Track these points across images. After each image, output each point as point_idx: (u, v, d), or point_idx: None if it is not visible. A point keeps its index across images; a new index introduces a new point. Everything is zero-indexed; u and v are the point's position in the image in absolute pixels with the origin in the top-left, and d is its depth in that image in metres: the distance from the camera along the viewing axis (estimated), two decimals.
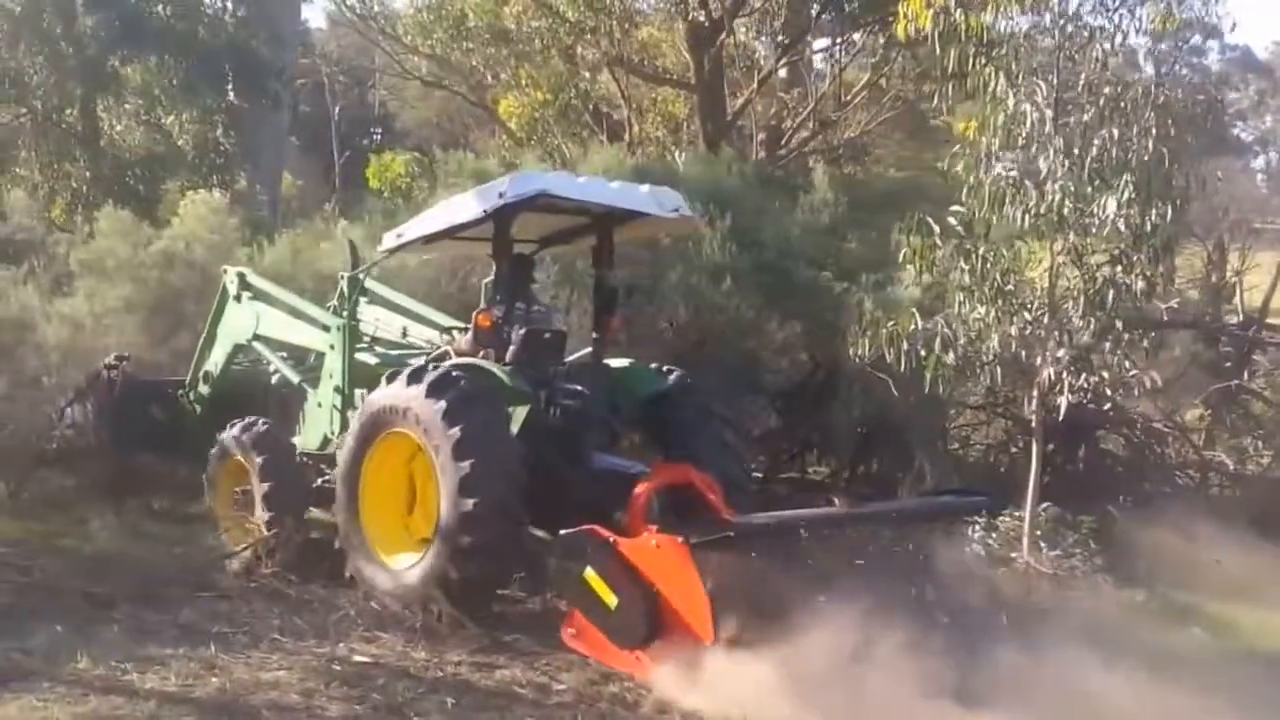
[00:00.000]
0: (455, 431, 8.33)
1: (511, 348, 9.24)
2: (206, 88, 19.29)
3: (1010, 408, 13.70)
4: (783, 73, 27.54)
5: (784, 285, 13.97)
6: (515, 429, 8.64)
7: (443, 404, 8.44)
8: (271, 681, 7.57)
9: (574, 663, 8.07)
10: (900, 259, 10.29)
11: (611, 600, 7.56)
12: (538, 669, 8.07)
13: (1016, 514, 9.93)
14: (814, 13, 25.38)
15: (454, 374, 8.74)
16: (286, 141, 22.53)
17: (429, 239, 9.92)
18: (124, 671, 7.61)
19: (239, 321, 11.51)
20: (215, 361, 11.77)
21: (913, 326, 9.62)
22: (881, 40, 24.27)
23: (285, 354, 11.30)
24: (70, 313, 13.21)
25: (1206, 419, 14.65)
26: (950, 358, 9.52)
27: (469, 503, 8.24)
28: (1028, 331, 9.44)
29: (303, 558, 9.94)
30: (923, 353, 9.59)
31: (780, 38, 25.91)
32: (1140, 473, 12.91)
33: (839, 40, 25.69)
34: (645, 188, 9.82)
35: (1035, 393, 9.65)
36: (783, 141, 26.58)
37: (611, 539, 7.70)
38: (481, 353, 9.26)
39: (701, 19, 24.35)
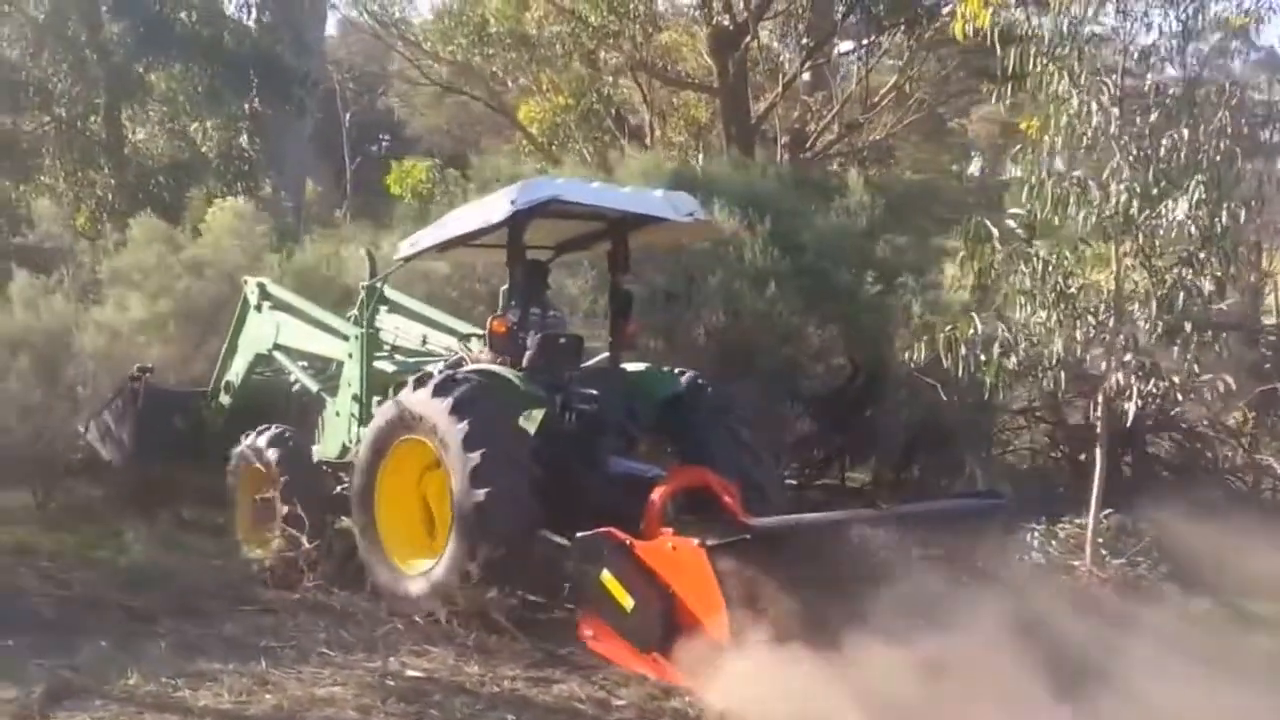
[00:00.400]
0: (463, 425, 8.37)
1: (527, 353, 9.25)
2: (231, 94, 19.06)
3: (1054, 412, 13.46)
4: (806, 76, 27.35)
5: (824, 289, 13.77)
6: (529, 433, 8.57)
7: (449, 401, 8.49)
8: (326, 698, 7.37)
9: (632, 678, 7.82)
10: (956, 261, 10.04)
11: (628, 603, 7.53)
12: (595, 683, 7.84)
13: (1077, 521, 9.68)
14: (839, 16, 25.11)
15: (464, 378, 8.81)
16: (309, 148, 22.29)
17: (443, 246, 9.94)
18: (175, 688, 7.43)
19: (259, 331, 11.55)
20: (236, 371, 11.79)
21: (971, 331, 9.38)
22: (910, 41, 24.05)
23: (306, 363, 11.33)
24: (106, 321, 12.97)
25: (1250, 422, 14.37)
26: (1011, 362, 9.27)
27: (480, 494, 8.25)
28: (1091, 335, 9.19)
29: (342, 569, 9.81)
30: (982, 357, 9.34)
31: (804, 40, 25.75)
32: (1191, 477, 12.63)
33: (864, 43, 25.42)
34: (659, 192, 9.86)
35: (1100, 398, 9.41)
36: (807, 145, 26.38)
37: (628, 541, 7.67)
38: (497, 359, 9.26)
39: (726, 23, 24.19)
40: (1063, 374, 9.30)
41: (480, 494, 8.25)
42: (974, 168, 47.99)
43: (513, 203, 8.80)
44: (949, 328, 9.63)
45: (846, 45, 26.92)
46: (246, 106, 19.55)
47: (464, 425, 8.38)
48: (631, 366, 9.85)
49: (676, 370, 9.92)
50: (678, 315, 13.28)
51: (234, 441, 10.86)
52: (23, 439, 12.01)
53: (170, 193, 18.89)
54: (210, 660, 8.00)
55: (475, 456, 8.28)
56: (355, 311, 10.62)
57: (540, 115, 26.74)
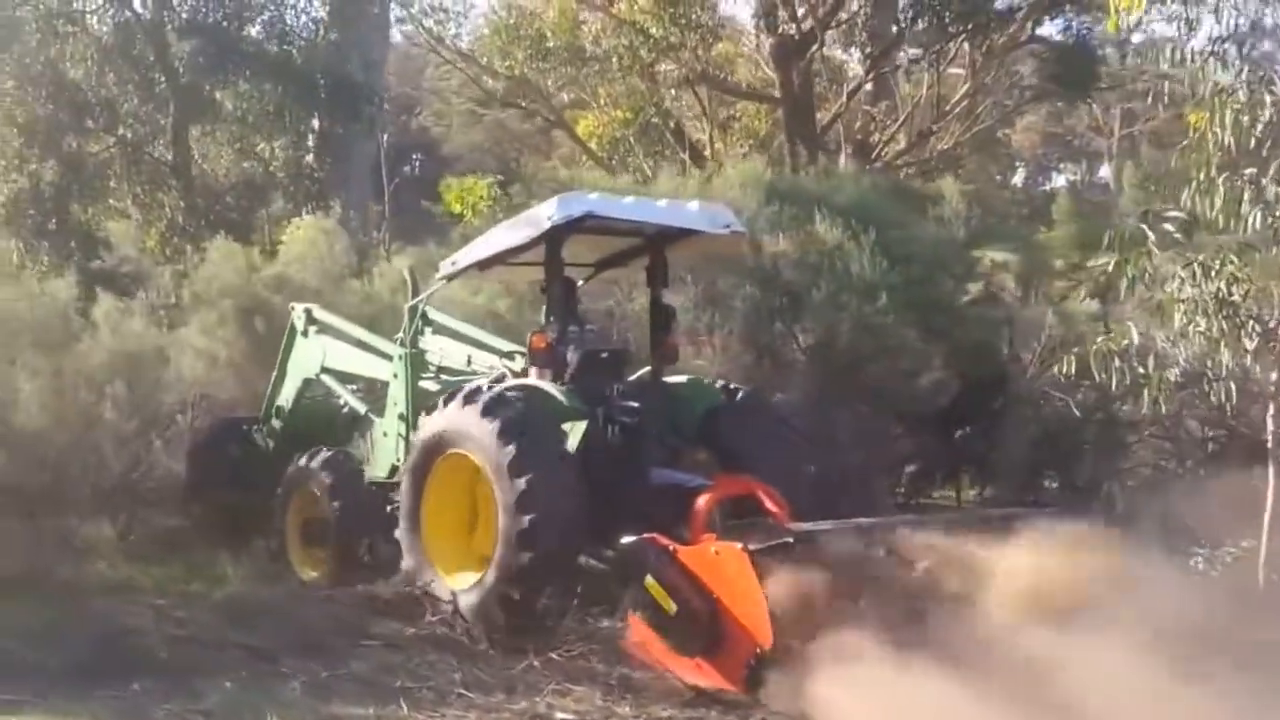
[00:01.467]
0: (510, 449, 8.40)
1: (569, 368, 9.33)
2: (301, 113, 18.69)
3: (1175, 428, 12.88)
4: (868, 86, 26.80)
5: (932, 301, 13.30)
6: (573, 447, 8.61)
7: (497, 423, 8.51)
8: None
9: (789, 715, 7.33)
10: (1093, 268, 9.52)
11: (671, 607, 7.54)
12: None
13: (1244, 544, 9.11)
14: (904, 23, 24.60)
15: (508, 394, 8.89)
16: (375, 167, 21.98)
17: (484, 265, 9.97)
18: None
19: (307, 356, 11.73)
20: (286, 396, 11.93)
21: (1125, 342, 8.86)
22: (981, 47, 23.55)
23: (355, 386, 11.50)
24: (193, 344, 12.62)
25: None
26: (1174, 374, 8.75)
27: (525, 520, 8.28)
28: (1257, 345, 8.65)
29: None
30: (1140, 370, 8.81)
31: (869, 49, 25.25)
32: None
33: (934, 49, 24.89)
34: (695, 205, 9.86)
35: (1272, 410, 8.85)
36: (873, 155, 25.85)
37: (671, 547, 7.72)
38: (539, 373, 9.35)
39: (791, 32, 23.74)
40: (1232, 386, 8.74)
41: (525, 521, 8.30)
42: (1018, 178, 47.50)
43: (549, 218, 8.89)
44: (1100, 339, 9.10)
45: (913, 53, 26.28)
46: (315, 125, 19.08)
47: (511, 449, 8.43)
48: (673, 379, 9.86)
49: (718, 381, 10.05)
50: (775, 331, 12.80)
51: (285, 466, 11.02)
52: (118, 470, 11.54)
53: (239, 213, 18.52)
54: (347, 703, 7.65)
55: (521, 484, 8.33)
56: (402, 333, 10.74)
57: (600, 130, 26.24)
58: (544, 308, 9.72)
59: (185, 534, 11.97)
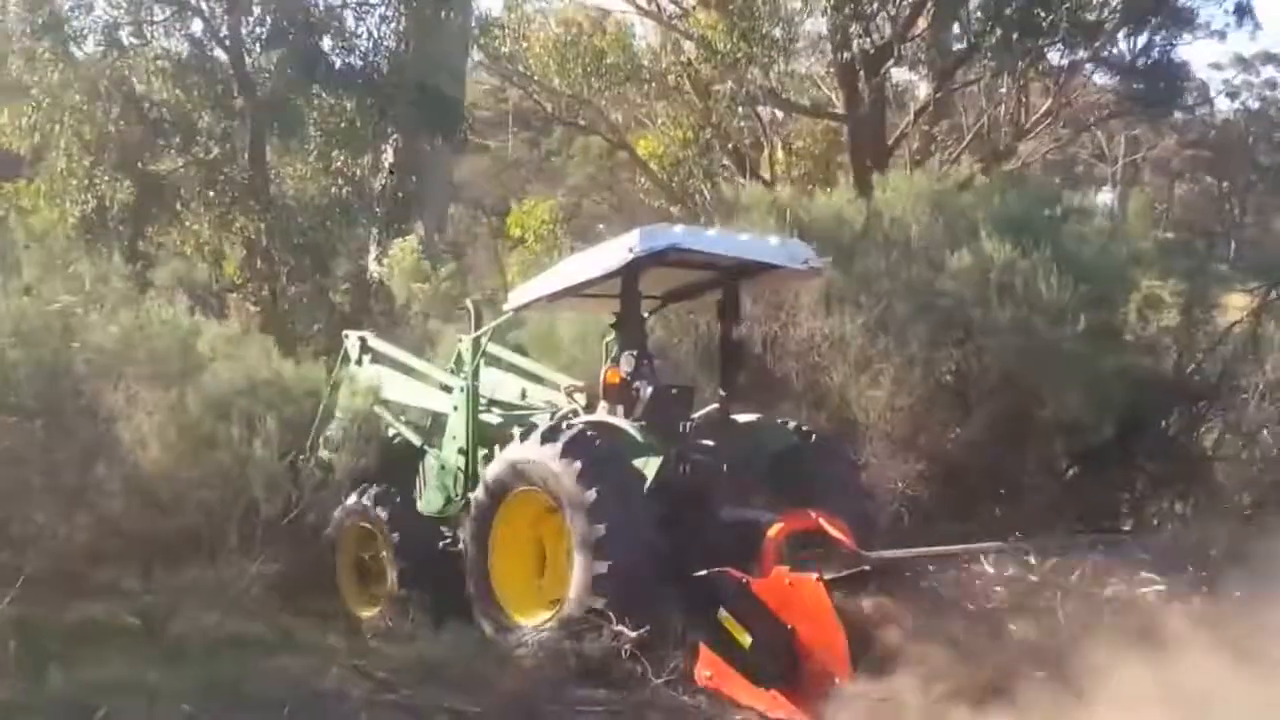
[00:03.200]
0: (591, 494, 8.33)
1: (640, 404, 9.19)
2: (389, 129, 17.68)
3: None
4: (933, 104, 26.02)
5: (1111, 323, 12.43)
6: (647, 486, 8.57)
7: (578, 465, 8.44)
8: None
9: None
10: None
11: (746, 640, 7.50)
12: None
13: None
14: (972, 38, 23.84)
15: (588, 433, 8.74)
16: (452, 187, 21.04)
17: (554, 296, 9.85)
18: None
19: (360, 386, 11.22)
20: (336, 427, 11.24)
21: None
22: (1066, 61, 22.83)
23: (404, 417, 11.37)
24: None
25: None
26: None
27: (603, 566, 8.22)
28: None
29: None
30: None
31: (937, 64, 24.46)
32: None
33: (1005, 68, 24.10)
34: (775, 239, 9.90)
35: None
36: (939, 176, 24.99)
37: (744, 579, 7.66)
38: (611, 409, 9.27)
39: (867, 46, 22.91)
40: None
41: (603, 567, 8.24)
42: (1104, 197, 46.52)
43: (631, 250, 8.77)
44: None
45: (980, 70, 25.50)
46: (401, 141, 18.07)
47: (591, 494, 8.36)
48: (743, 417, 9.76)
49: (788, 422, 9.97)
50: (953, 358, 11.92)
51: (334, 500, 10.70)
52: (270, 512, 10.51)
53: (322, 235, 17.53)
54: None
55: (601, 529, 8.29)
56: (453, 364, 10.75)
57: (661, 150, 25.38)
58: (610, 341, 9.63)
59: (293, 581, 10.89)
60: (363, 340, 11.75)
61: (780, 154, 26.42)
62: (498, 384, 10.87)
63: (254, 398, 10.92)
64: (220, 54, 17.88)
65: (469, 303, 11.23)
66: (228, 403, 10.75)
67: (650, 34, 25.13)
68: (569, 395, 10.15)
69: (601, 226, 28.17)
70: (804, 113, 25.49)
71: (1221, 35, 23.06)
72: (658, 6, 24.81)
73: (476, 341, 10.41)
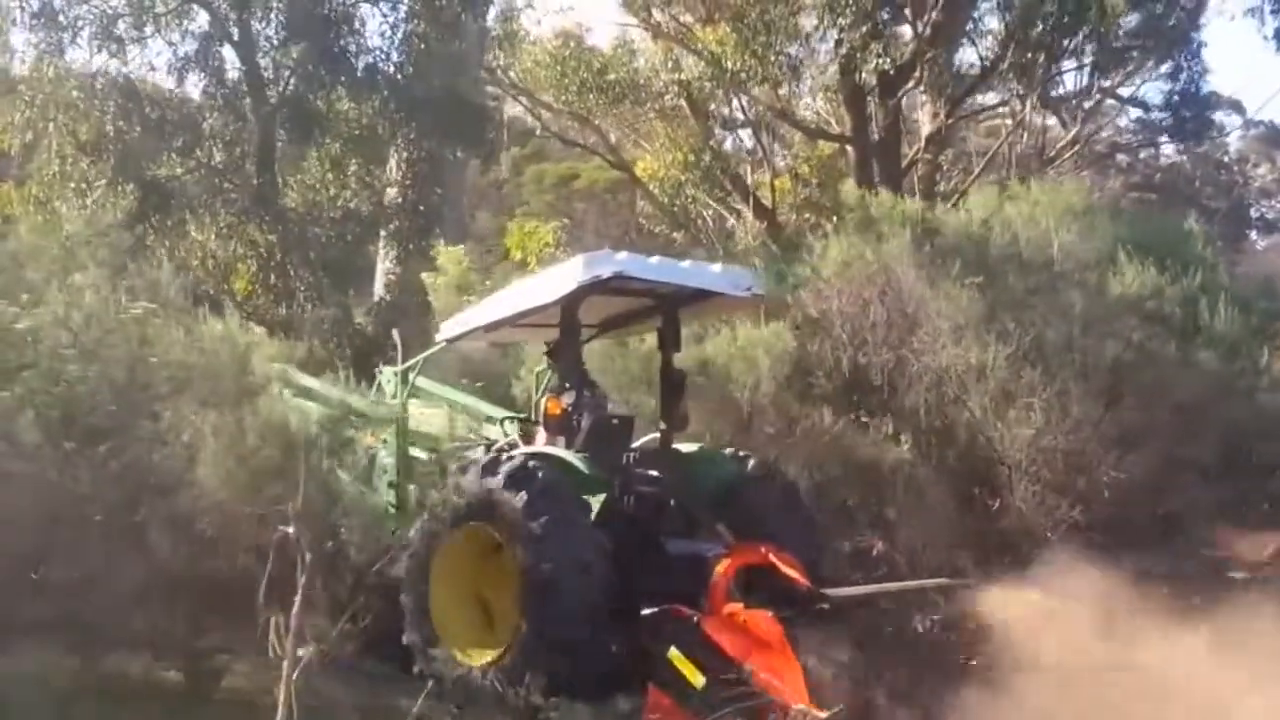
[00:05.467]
0: (536, 527, 8.10)
1: (581, 435, 9.02)
2: (414, 135, 16.17)
3: None
4: (927, 129, 25.11)
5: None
6: (592, 518, 8.39)
7: (522, 497, 8.20)
8: None
9: None
10: None
11: (698, 679, 7.42)
12: None
13: None
14: (986, 63, 22.97)
15: (531, 465, 8.47)
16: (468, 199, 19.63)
17: (492, 327, 9.85)
18: None
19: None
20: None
21: None
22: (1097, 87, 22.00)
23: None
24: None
25: None
26: None
27: (555, 594, 7.98)
28: None
29: None
30: None
31: (949, 90, 23.52)
32: None
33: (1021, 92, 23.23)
34: (718, 267, 9.78)
35: None
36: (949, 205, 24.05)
37: (695, 617, 7.68)
38: (551, 440, 9.11)
39: (886, 67, 21.87)
40: None
41: (555, 593, 7.95)
42: None
43: (578, 280, 8.64)
44: None
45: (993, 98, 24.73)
46: (422, 149, 16.56)
47: (537, 526, 8.08)
48: (685, 447, 9.67)
49: (731, 452, 9.77)
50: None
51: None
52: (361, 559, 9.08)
53: (340, 248, 16.02)
54: None
55: (550, 550, 8.01)
56: (374, 395, 10.49)
57: (660, 172, 24.15)
58: (544, 371, 9.75)
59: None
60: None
61: (782, 179, 25.26)
62: (422, 415, 10.57)
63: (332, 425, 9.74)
64: (228, 51, 16.22)
65: (395, 334, 11.18)
66: (305, 430, 9.48)
67: (651, 50, 23.71)
68: (502, 426, 9.94)
69: (608, 248, 26.98)
70: (815, 135, 24.39)
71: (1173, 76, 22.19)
72: (658, 22, 23.52)
73: (405, 374, 10.32)
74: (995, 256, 11.12)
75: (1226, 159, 46.36)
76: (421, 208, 16.61)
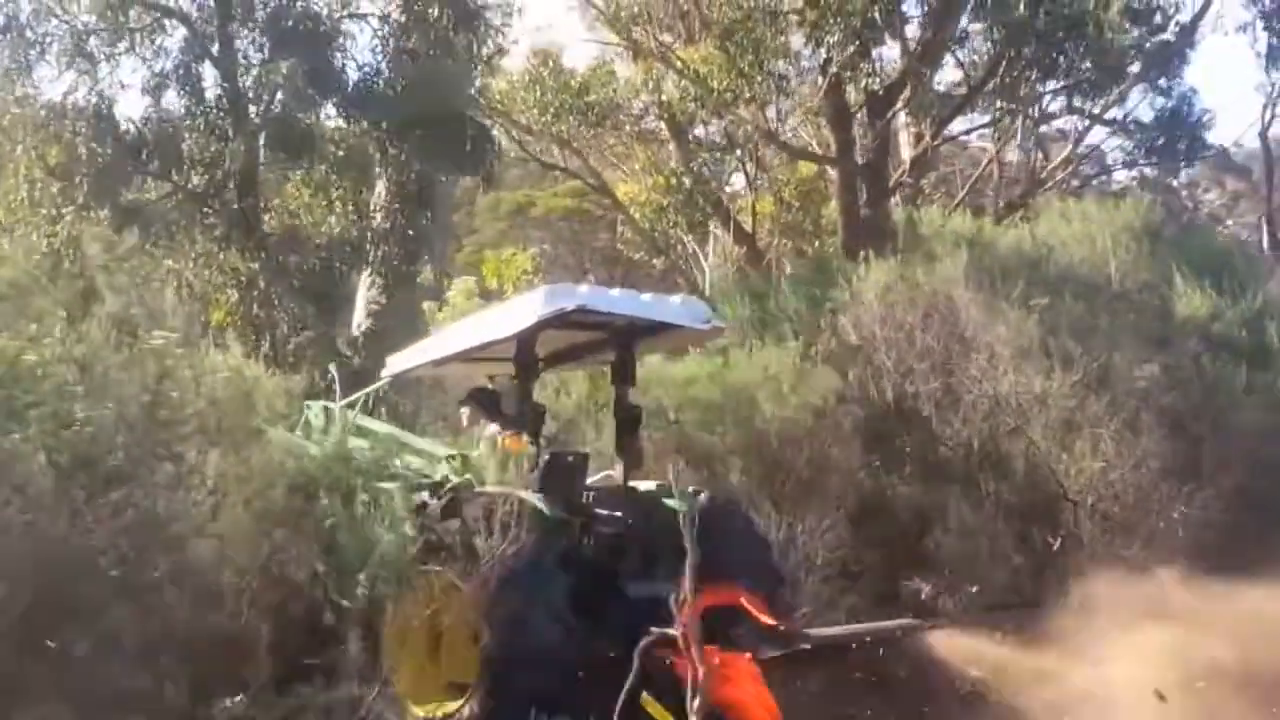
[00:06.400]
0: (498, 564, 7.93)
1: (537, 474, 8.61)
2: (408, 156, 15.32)
3: None
4: (907, 151, 24.67)
5: None
6: (555, 559, 8.09)
7: (490, 540, 8.00)
8: None
9: None
10: None
11: None
12: None
13: None
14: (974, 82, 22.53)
15: (494, 505, 8.20)
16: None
17: (442, 362, 9.64)
18: None
19: None
20: None
21: None
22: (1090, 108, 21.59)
23: None
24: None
25: None
26: None
27: (517, 640, 7.69)
28: None
29: None
30: None
31: (935, 111, 23.06)
32: None
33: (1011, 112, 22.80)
34: (677, 299, 9.54)
35: None
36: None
37: (668, 660, 7.40)
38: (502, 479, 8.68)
39: (875, 87, 21.35)
40: None
41: (517, 638, 7.66)
42: None
43: (538, 313, 8.32)
44: None
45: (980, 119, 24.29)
46: (413, 170, 15.71)
47: (499, 561, 7.92)
48: (643, 485, 9.25)
49: (692, 489, 9.07)
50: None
51: None
52: None
53: (328, 278, 15.16)
54: None
55: (512, 594, 7.75)
56: (300, 431, 9.83)
57: (641, 196, 23.49)
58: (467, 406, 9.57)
59: None
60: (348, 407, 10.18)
61: (764, 201, 24.69)
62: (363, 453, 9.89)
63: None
64: (208, 68, 15.32)
65: (332, 369, 11.06)
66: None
67: (631, 70, 23.09)
68: (451, 464, 9.32)
69: (591, 277, 26.33)
70: (801, 156, 23.83)
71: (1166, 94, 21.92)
72: (638, 41, 22.86)
73: (344, 410, 9.83)
74: (1054, 277, 10.46)
75: (1176, 184, 46.34)
76: (411, 232, 15.72)
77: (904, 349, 10.79)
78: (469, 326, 9.41)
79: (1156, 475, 10.06)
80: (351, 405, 9.93)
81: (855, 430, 10.80)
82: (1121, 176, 28.01)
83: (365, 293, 16.44)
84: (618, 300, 9.04)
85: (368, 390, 10.15)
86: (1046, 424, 10.22)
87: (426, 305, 13.01)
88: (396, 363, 9.95)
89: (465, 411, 9.98)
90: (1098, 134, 23.71)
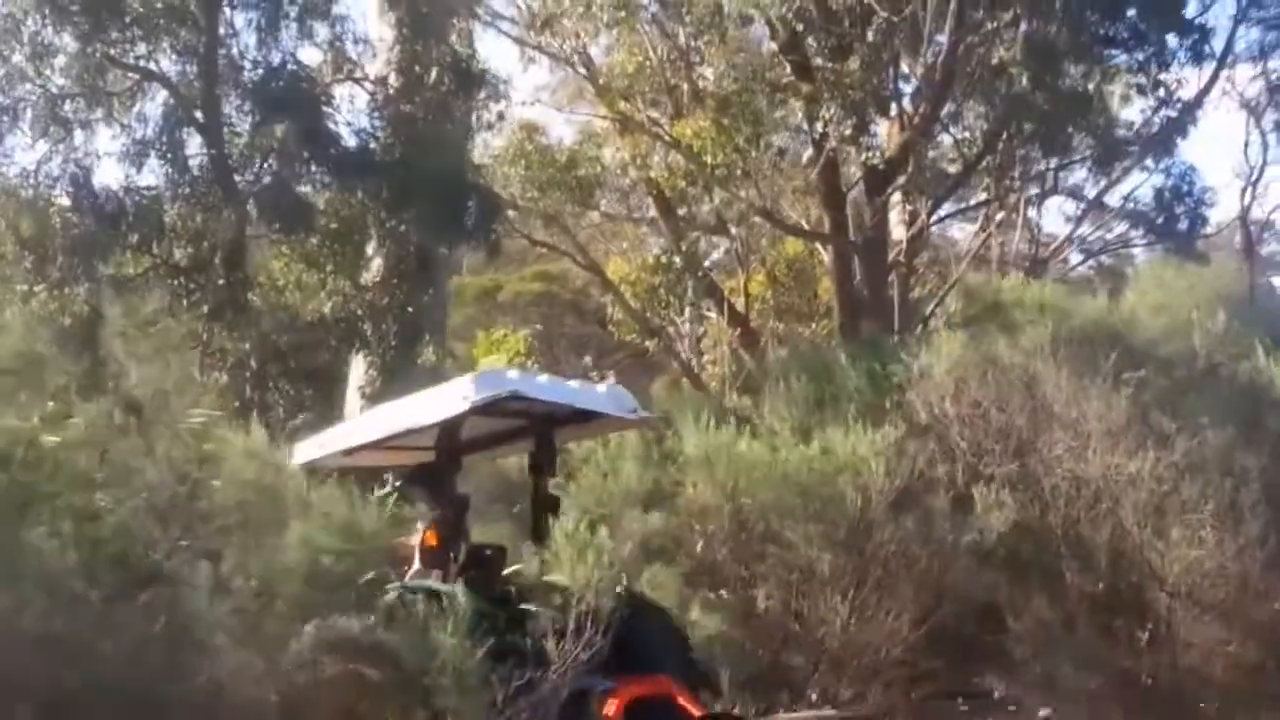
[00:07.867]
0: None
1: (455, 567, 8.54)
2: (403, 226, 14.39)
3: None
4: (899, 231, 24.04)
5: None
6: (480, 653, 7.81)
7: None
8: None
9: None
10: None
11: None
12: None
13: None
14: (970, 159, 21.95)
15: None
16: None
17: (357, 450, 9.29)
18: None
19: None
20: None
21: None
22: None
23: None
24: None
25: None
26: None
27: None
28: None
29: None
30: None
31: (929, 190, 22.44)
32: None
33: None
34: (603, 388, 9.62)
35: None
36: (928, 315, 22.88)
37: None
38: (427, 572, 8.65)
39: (876, 162, 20.70)
40: None
41: None
42: None
43: (468, 399, 8.17)
44: None
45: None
46: (412, 242, 14.78)
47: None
48: (563, 580, 8.67)
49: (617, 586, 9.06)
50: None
51: None
52: None
53: (325, 358, 14.18)
54: None
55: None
56: None
57: (632, 275, 22.69)
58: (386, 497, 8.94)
59: None
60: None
61: (758, 280, 23.96)
62: None
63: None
64: (192, 133, 14.36)
65: None
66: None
67: (618, 145, 22.37)
68: None
69: (588, 359, 25.45)
70: (797, 234, 23.11)
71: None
72: (627, 115, 22.17)
73: None
74: (1139, 350, 9.65)
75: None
76: (410, 309, 14.75)
77: (978, 428, 9.89)
78: (385, 413, 9.24)
79: (1263, 563, 9.19)
80: None
81: (928, 516, 9.89)
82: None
83: (357, 373, 15.45)
84: (547, 388, 8.93)
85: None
86: (1138, 507, 9.31)
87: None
88: (304, 451, 9.43)
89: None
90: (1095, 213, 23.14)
